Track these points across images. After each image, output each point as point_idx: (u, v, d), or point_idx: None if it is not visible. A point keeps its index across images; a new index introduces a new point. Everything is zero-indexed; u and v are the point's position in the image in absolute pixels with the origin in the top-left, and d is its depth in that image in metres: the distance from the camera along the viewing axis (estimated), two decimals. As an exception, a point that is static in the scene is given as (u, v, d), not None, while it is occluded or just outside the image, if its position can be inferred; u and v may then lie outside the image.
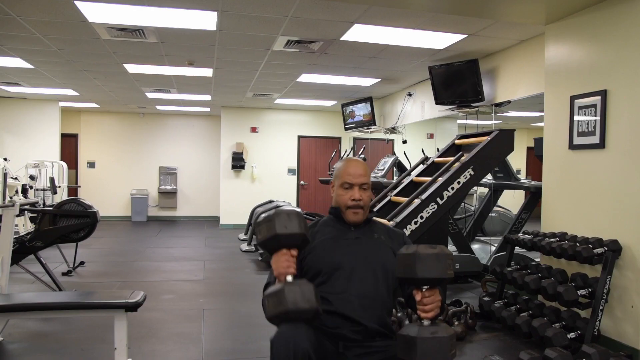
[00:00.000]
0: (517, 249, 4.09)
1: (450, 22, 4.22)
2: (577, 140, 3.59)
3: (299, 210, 1.78)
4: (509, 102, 5.15)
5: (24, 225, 7.03)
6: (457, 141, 4.82)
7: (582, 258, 3.18)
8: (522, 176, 6.86)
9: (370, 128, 8.39)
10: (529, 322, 3.32)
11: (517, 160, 7.18)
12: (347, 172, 1.97)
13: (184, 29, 4.53)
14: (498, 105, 5.28)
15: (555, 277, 3.42)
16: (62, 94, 8.52)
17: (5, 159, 7.31)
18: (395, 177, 7.57)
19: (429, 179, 4.12)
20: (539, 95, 4.37)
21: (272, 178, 10.31)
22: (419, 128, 7.73)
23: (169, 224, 10.67)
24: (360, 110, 8.28)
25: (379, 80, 6.83)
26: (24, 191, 7.36)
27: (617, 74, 3.27)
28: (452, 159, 4.29)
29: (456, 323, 3.61)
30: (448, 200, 3.96)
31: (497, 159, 4.35)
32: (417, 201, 3.93)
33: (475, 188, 5.99)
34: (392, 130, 8.06)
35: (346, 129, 8.94)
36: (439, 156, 4.80)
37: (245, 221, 8.48)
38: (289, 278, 1.70)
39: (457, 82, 5.39)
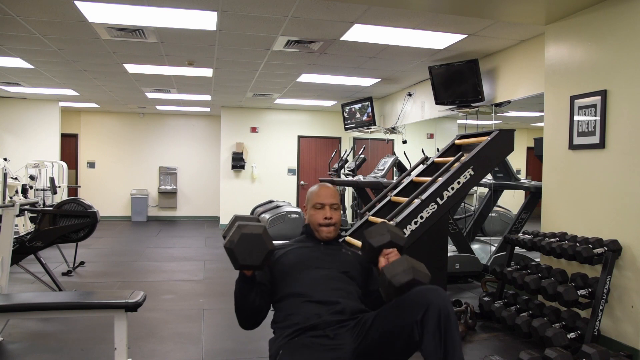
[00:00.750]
0: (517, 249, 4.09)
1: (450, 22, 4.22)
2: (577, 140, 3.59)
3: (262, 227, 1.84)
4: (509, 102, 5.15)
5: (24, 225, 7.03)
6: (457, 141, 4.81)
7: (582, 258, 3.18)
8: (522, 176, 6.86)
9: (370, 128, 8.39)
10: (529, 322, 3.32)
11: (517, 160, 7.18)
12: (319, 195, 2.17)
13: (184, 29, 4.53)
14: (498, 105, 5.28)
15: (555, 277, 3.42)
16: (62, 94, 8.52)
17: (5, 159, 7.31)
18: (395, 177, 7.57)
19: (429, 179, 4.12)
20: (539, 95, 4.38)
21: (272, 178, 10.31)
22: (419, 128, 7.73)
23: (169, 224, 10.68)
24: (360, 111, 8.29)
25: (379, 80, 6.83)
26: (24, 191, 7.36)
27: (617, 74, 3.27)
28: (452, 159, 4.29)
29: (456, 323, 3.61)
30: (448, 201, 3.95)
31: (497, 159, 4.34)
32: (417, 201, 3.93)
33: (475, 188, 5.99)
34: (392, 130, 8.06)
35: (346, 129, 8.94)
36: (439, 156, 4.80)
37: (245, 221, 8.46)
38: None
39: (457, 82, 5.39)
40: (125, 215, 11.17)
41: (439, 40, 4.73)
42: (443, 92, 5.63)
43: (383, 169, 6.73)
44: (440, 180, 4.00)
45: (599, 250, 3.17)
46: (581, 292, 3.19)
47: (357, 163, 7.46)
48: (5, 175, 6.70)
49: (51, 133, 9.46)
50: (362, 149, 7.61)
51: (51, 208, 4.74)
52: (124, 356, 2.69)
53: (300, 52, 5.28)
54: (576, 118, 3.60)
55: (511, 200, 6.59)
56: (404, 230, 3.82)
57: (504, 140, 4.20)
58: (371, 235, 1.97)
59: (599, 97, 3.38)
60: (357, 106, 8.35)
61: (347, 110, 8.63)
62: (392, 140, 8.54)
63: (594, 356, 2.57)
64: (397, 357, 1.75)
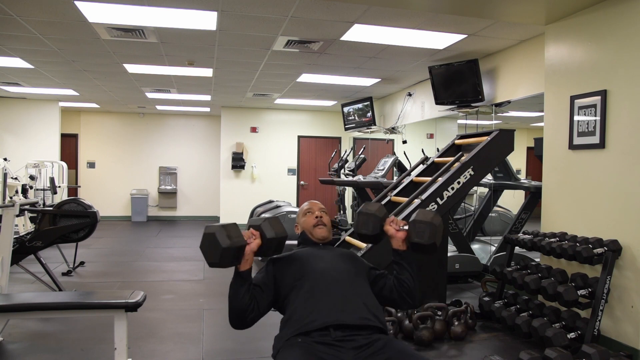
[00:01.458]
0: (517, 249, 4.09)
1: (450, 22, 4.22)
2: (577, 140, 3.59)
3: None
4: (509, 102, 5.15)
5: (24, 225, 7.03)
6: (457, 141, 4.81)
7: (582, 258, 3.18)
8: (522, 176, 6.86)
9: (370, 128, 8.39)
10: (529, 322, 3.32)
11: (517, 160, 7.18)
12: (308, 206, 2.33)
13: (184, 29, 4.53)
14: (498, 105, 5.28)
15: (555, 277, 3.42)
16: (62, 94, 8.52)
17: (5, 159, 7.31)
18: (395, 177, 7.57)
19: (429, 179, 4.12)
20: (539, 95, 4.38)
21: (272, 178, 10.31)
22: (419, 128, 7.73)
23: (169, 224, 10.68)
24: (360, 111, 8.29)
25: (379, 80, 6.83)
26: (24, 191, 7.36)
27: (617, 74, 3.27)
28: (452, 159, 4.29)
29: (456, 323, 3.61)
30: (448, 200, 3.95)
31: (497, 159, 4.34)
32: (417, 201, 3.93)
33: (475, 188, 5.99)
34: (392, 130, 8.06)
35: (346, 129, 8.94)
36: (439, 156, 4.80)
37: (245, 221, 8.46)
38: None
39: (457, 82, 5.39)
40: (125, 215, 11.17)
41: (439, 40, 4.73)
42: (443, 92, 5.63)
43: (383, 169, 6.73)
44: (440, 180, 4.00)
45: (599, 250, 3.17)
46: (581, 292, 3.19)
47: (357, 163, 7.47)
48: (5, 175, 6.70)
49: (51, 133, 9.46)
50: (362, 149, 7.61)
51: (51, 208, 4.74)
52: (124, 356, 2.69)
53: (300, 52, 5.28)
54: (576, 118, 3.60)
55: (511, 200, 6.59)
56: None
57: (504, 140, 4.20)
58: (369, 209, 2.09)
59: (599, 97, 3.38)
60: (357, 106, 8.35)
61: (347, 110, 8.63)
62: (392, 140, 8.54)
63: (594, 356, 2.57)
64: None
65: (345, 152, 8.71)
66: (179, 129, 11.46)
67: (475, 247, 5.63)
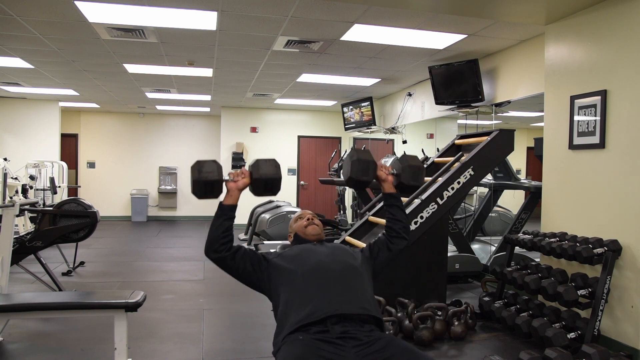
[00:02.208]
0: (517, 249, 4.09)
1: (450, 22, 4.22)
2: (577, 140, 3.59)
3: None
4: (509, 102, 5.15)
5: (24, 225, 7.04)
6: (457, 141, 4.82)
7: (582, 258, 3.18)
8: (522, 176, 6.86)
9: (370, 128, 8.39)
10: (529, 322, 3.32)
11: (517, 160, 7.18)
12: (298, 214, 2.39)
13: (184, 29, 4.53)
14: (498, 105, 5.28)
15: (555, 277, 3.42)
16: (62, 94, 8.53)
17: (5, 159, 7.31)
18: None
19: (429, 179, 4.12)
20: (539, 95, 4.38)
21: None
22: (419, 128, 7.73)
23: (169, 224, 10.68)
24: (360, 111, 8.29)
25: (379, 80, 6.83)
26: (24, 191, 7.37)
27: (617, 74, 3.27)
28: (452, 159, 4.29)
29: (456, 323, 3.61)
30: (448, 200, 3.96)
31: (497, 159, 4.35)
32: (417, 201, 3.93)
33: (475, 188, 5.99)
34: (392, 130, 8.06)
35: (346, 129, 8.94)
36: (439, 156, 4.80)
37: (245, 221, 8.48)
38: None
39: (457, 82, 5.39)
40: (125, 215, 11.17)
41: (439, 40, 4.73)
42: (443, 92, 5.63)
43: (383, 169, 6.72)
44: (440, 180, 4.00)
45: (599, 250, 3.17)
46: (581, 292, 3.19)
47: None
48: (5, 175, 6.71)
49: (51, 133, 9.46)
50: (362, 149, 7.60)
51: (51, 208, 4.74)
52: (124, 356, 2.70)
53: (300, 52, 5.28)
54: (576, 118, 3.60)
55: (511, 200, 6.59)
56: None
57: (504, 140, 4.21)
58: (367, 157, 2.19)
59: (599, 97, 3.38)
60: (357, 106, 8.35)
61: (347, 110, 8.64)
62: (392, 140, 8.54)
63: (594, 356, 2.57)
64: None
65: (345, 152, 8.71)
66: (179, 129, 11.46)
67: (475, 247, 5.63)
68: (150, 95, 8.51)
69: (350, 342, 1.83)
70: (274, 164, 2.06)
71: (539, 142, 4.32)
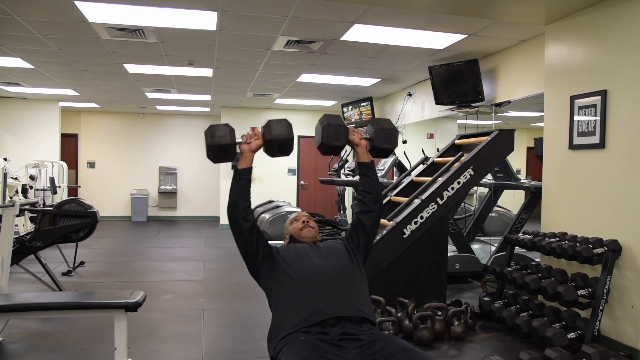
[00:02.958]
0: (517, 249, 4.09)
1: (450, 22, 4.22)
2: (577, 140, 3.59)
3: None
4: (509, 102, 5.15)
5: (24, 225, 7.04)
6: (457, 141, 4.82)
7: (582, 258, 3.19)
8: (522, 176, 6.86)
9: (371, 128, 8.37)
10: (529, 322, 3.33)
11: (517, 160, 7.18)
12: (294, 216, 2.40)
13: (184, 29, 4.53)
14: (498, 105, 5.28)
15: (555, 277, 3.42)
16: (62, 94, 8.52)
17: (5, 159, 7.31)
18: (395, 177, 7.57)
19: (429, 179, 4.12)
20: (539, 95, 4.38)
21: (272, 178, 10.30)
22: (419, 128, 7.73)
23: (169, 224, 10.67)
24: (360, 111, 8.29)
25: (379, 80, 6.83)
26: (24, 191, 7.37)
27: (617, 74, 3.27)
28: (452, 159, 4.29)
29: (456, 323, 3.61)
30: (448, 200, 3.96)
31: (497, 159, 4.35)
32: (417, 201, 3.93)
33: (475, 188, 5.99)
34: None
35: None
36: (439, 156, 4.80)
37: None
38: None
39: (457, 82, 5.39)
40: (125, 215, 11.17)
41: (439, 40, 4.73)
42: (443, 92, 5.63)
43: (383, 169, 6.73)
44: (440, 180, 4.00)
45: (599, 250, 3.17)
46: (581, 292, 3.19)
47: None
48: (5, 175, 6.71)
49: (51, 133, 9.46)
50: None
51: (51, 208, 4.74)
52: (124, 356, 2.69)
53: (300, 52, 5.28)
54: (576, 118, 3.60)
55: (511, 200, 6.59)
56: (404, 230, 3.83)
57: (504, 140, 4.21)
58: (338, 122, 2.15)
59: (599, 97, 3.38)
60: (357, 106, 8.34)
61: (347, 110, 8.63)
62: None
63: (594, 356, 2.57)
64: None
65: (345, 152, 8.71)
66: (179, 129, 11.46)
67: (475, 247, 5.63)
68: (150, 95, 8.50)
69: (351, 344, 1.83)
70: (285, 124, 2.05)
71: (539, 142, 4.32)
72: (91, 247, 7.21)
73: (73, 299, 2.94)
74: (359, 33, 4.53)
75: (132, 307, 2.68)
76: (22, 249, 4.52)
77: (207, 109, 10.56)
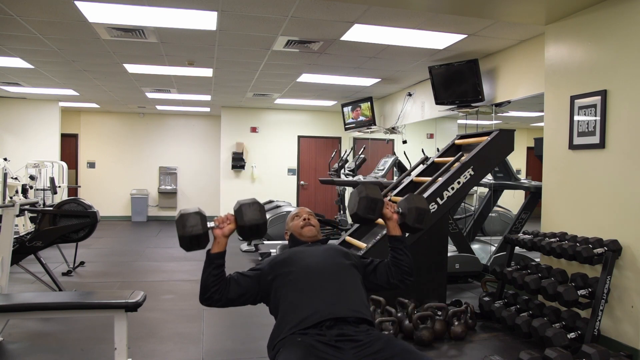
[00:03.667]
0: (517, 249, 4.09)
1: (450, 22, 4.22)
2: (577, 140, 3.59)
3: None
4: (509, 102, 5.15)
5: (24, 225, 7.03)
6: (457, 141, 4.82)
7: (582, 258, 3.18)
8: (522, 176, 6.86)
9: (370, 128, 8.39)
10: (529, 322, 3.32)
11: (517, 160, 7.18)
12: (295, 212, 2.40)
13: (184, 29, 4.53)
14: (498, 105, 5.28)
15: (555, 277, 3.42)
16: (62, 94, 8.52)
17: (5, 159, 7.31)
18: (395, 177, 7.57)
19: (429, 179, 4.12)
20: (539, 95, 4.38)
21: (272, 178, 10.31)
22: (419, 128, 7.73)
23: (169, 224, 10.67)
24: (360, 110, 8.30)
25: (379, 80, 6.83)
26: (24, 191, 7.36)
27: (617, 74, 3.27)
28: (452, 159, 4.29)
29: (456, 323, 3.61)
30: (448, 200, 3.96)
31: (497, 159, 4.34)
32: (417, 201, 3.92)
33: (475, 188, 5.99)
34: (392, 130, 8.06)
35: (346, 129, 8.94)
36: (439, 156, 4.80)
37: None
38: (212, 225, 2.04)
39: (457, 82, 5.39)
40: (125, 215, 11.17)
41: (439, 40, 4.73)
42: (443, 92, 5.62)
43: (383, 169, 6.73)
44: (440, 180, 4.00)
45: (599, 250, 3.17)
46: (581, 292, 3.19)
47: (357, 163, 7.46)
48: (5, 175, 6.70)
49: (51, 133, 9.46)
50: (362, 149, 7.61)
51: (51, 208, 4.74)
52: (124, 356, 2.70)
53: (300, 52, 5.28)
54: (576, 118, 3.60)
55: (511, 200, 6.59)
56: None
57: (504, 140, 4.21)
58: (375, 195, 2.13)
59: (599, 97, 3.38)
60: (357, 106, 8.35)
61: (347, 110, 8.63)
62: (392, 140, 8.54)
63: (594, 356, 2.57)
64: None
65: (345, 152, 8.71)
66: (179, 129, 11.46)
67: (475, 247, 5.63)
68: (150, 95, 8.50)
69: (348, 345, 1.83)
70: (257, 208, 2.01)
71: (539, 142, 4.32)
72: (91, 247, 7.21)
73: (73, 299, 2.94)
74: (359, 33, 4.53)
75: (132, 307, 2.68)
76: (22, 249, 4.52)
77: (207, 109, 10.56)
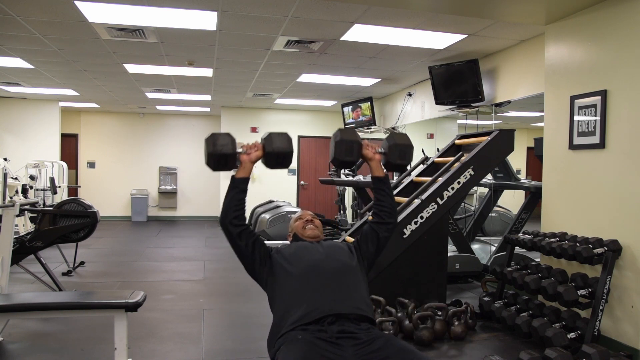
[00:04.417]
0: (517, 249, 4.09)
1: (450, 22, 4.22)
2: (577, 140, 3.59)
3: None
4: (509, 102, 5.14)
5: (24, 225, 7.03)
6: (457, 141, 4.82)
7: (582, 258, 3.18)
8: (522, 176, 6.86)
9: (371, 128, 8.39)
10: (529, 322, 3.32)
11: (517, 160, 7.17)
12: (298, 214, 2.42)
13: (184, 29, 4.53)
14: (498, 105, 5.28)
15: (555, 277, 3.42)
16: (62, 94, 8.52)
17: (5, 159, 7.31)
18: (395, 177, 7.57)
19: (429, 179, 4.12)
20: (539, 95, 4.38)
21: (272, 178, 10.30)
22: (419, 128, 7.73)
23: (169, 224, 10.67)
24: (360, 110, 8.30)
25: (379, 80, 6.83)
26: (24, 191, 7.36)
27: (617, 74, 3.27)
28: (452, 159, 4.29)
29: (456, 323, 3.61)
30: (448, 201, 3.96)
31: (497, 159, 4.35)
32: (417, 201, 3.93)
33: (475, 188, 5.99)
34: (392, 130, 8.06)
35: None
36: (439, 156, 4.80)
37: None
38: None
39: (457, 82, 5.39)
40: (125, 215, 11.17)
41: (439, 40, 4.73)
42: (443, 92, 5.62)
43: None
44: (440, 180, 4.00)
45: (599, 250, 3.17)
46: (581, 292, 3.19)
47: (357, 163, 7.46)
48: (5, 175, 6.71)
49: (51, 133, 9.46)
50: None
51: (51, 208, 4.74)
52: (124, 356, 2.69)
53: (300, 52, 5.28)
54: (576, 118, 3.60)
55: (511, 200, 6.59)
56: (404, 230, 3.83)
57: (504, 140, 4.21)
58: (351, 137, 2.15)
59: (599, 97, 3.38)
60: (357, 106, 8.34)
61: (347, 110, 8.63)
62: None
63: (594, 356, 2.57)
64: None
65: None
66: (179, 129, 11.46)
67: (475, 247, 5.63)
68: (150, 95, 8.50)
69: (349, 342, 1.83)
70: (286, 138, 2.08)
71: (539, 142, 4.32)
72: (91, 247, 7.21)
73: (73, 299, 2.94)
74: (359, 33, 4.53)
75: (132, 307, 2.68)
76: (22, 249, 4.52)
77: (207, 109, 10.56)
